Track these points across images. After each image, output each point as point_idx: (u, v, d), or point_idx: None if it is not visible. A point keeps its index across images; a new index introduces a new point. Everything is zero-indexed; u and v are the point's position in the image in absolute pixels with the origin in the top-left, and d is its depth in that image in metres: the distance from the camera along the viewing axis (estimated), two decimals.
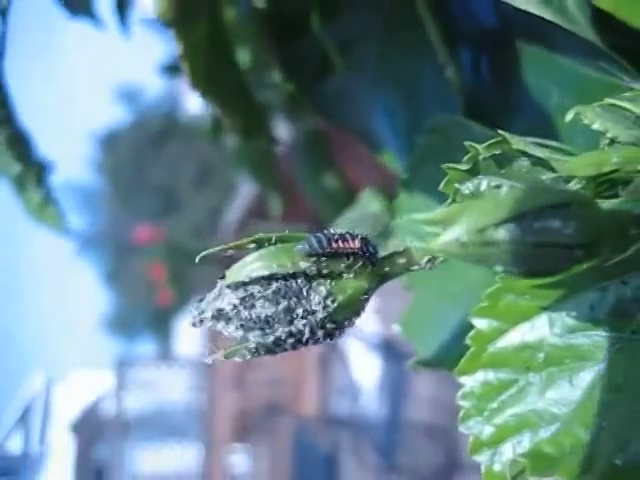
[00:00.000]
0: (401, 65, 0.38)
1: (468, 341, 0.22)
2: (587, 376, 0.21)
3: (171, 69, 0.91)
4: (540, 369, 0.21)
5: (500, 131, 0.20)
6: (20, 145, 0.51)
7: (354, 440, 3.12)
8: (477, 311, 0.22)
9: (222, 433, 4.33)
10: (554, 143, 0.22)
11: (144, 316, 8.70)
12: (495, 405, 0.22)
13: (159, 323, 8.55)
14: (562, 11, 0.26)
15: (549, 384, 0.21)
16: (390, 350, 2.82)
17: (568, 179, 0.17)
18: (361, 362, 3.24)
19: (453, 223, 0.13)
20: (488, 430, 0.22)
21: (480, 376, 0.22)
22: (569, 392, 0.21)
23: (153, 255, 6.58)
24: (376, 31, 0.38)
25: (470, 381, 0.22)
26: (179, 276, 6.35)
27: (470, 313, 0.22)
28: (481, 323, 0.22)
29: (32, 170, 0.53)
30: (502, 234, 0.13)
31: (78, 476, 6.73)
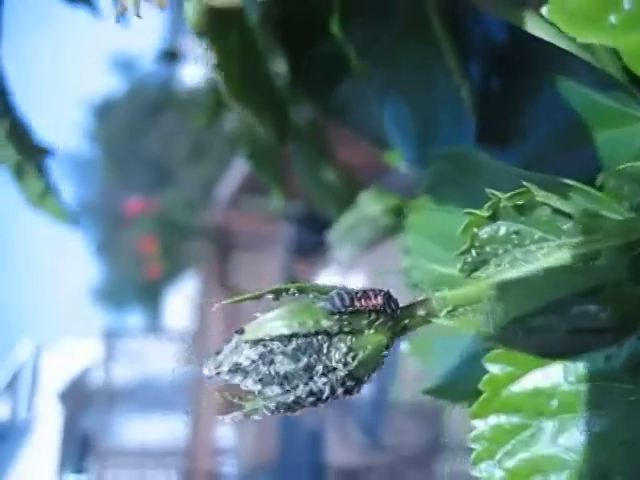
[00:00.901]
0: (413, 77, 0.38)
1: (481, 386, 0.22)
2: (599, 426, 0.21)
3: (169, 55, 0.89)
4: (552, 415, 0.21)
5: (525, 182, 0.19)
6: (20, 135, 0.51)
7: (340, 418, 3.15)
8: (491, 357, 0.22)
9: (208, 407, 4.36)
10: (582, 186, 0.22)
11: (134, 288, 8.70)
12: (506, 449, 0.22)
13: (148, 295, 8.56)
14: (584, 45, 0.26)
15: (561, 431, 0.21)
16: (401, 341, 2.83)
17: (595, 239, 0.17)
18: None
19: (471, 304, 0.13)
20: (499, 474, 0.22)
21: (492, 420, 0.22)
22: (581, 440, 0.21)
23: (144, 227, 6.56)
24: (389, 41, 0.38)
25: (482, 424, 0.22)
26: (170, 249, 6.35)
27: (484, 358, 0.22)
28: (495, 368, 0.22)
29: (32, 160, 0.52)
30: (538, 322, 0.13)
31: (64, 444, 6.78)
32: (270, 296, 0.18)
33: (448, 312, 0.18)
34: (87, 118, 8.68)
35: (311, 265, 3.16)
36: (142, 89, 8.07)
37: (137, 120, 7.77)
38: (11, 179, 0.53)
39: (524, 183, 0.19)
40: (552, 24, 0.19)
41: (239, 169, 3.10)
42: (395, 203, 0.55)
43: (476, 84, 0.36)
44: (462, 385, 0.24)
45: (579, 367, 0.21)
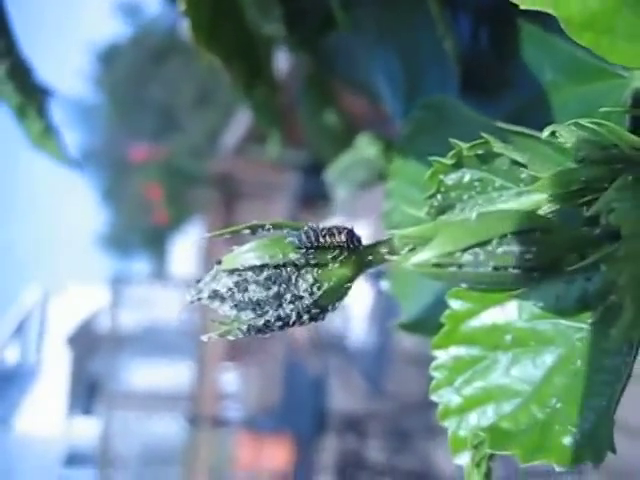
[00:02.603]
0: (401, 30, 0.39)
1: (443, 319, 0.24)
2: (549, 359, 0.23)
3: None
4: (507, 349, 0.23)
5: (486, 125, 0.21)
6: (22, 75, 0.51)
7: (343, 365, 3.21)
8: (453, 293, 0.24)
9: (214, 353, 4.43)
10: (536, 133, 0.23)
11: (140, 235, 8.75)
12: (464, 378, 0.24)
13: (154, 242, 8.61)
14: None
15: (514, 363, 0.23)
16: (383, 278, 2.86)
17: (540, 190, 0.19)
18: (353, 289, 3.29)
19: (426, 243, 0.15)
20: (456, 400, 0.24)
21: (452, 351, 0.24)
22: (531, 372, 0.23)
23: (150, 174, 6.56)
24: None
25: (443, 355, 0.24)
26: (175, 196, 6.35)
27: (447, 294, 0.24)
28: (456, 304, 0.24)
29: (33, 100, 0.53)
30: (468, 258, 0.15)
31: (72, 388, 6.91)
32: (248, 231, 0.20)
33: (409, 250, 0.20)
34: (92, 63, 8.60)
35: (316, 213, 3.17)
36: (147, 35, 7.96)
37: (142, 66, 7.69)
38: (13, 119, 0.54)
39: (483, 134, 0.21)
40: None
41: (244, 117, 3.09)
42: (390, 147, 0.56)
43: (464, 37, 0.37)
44: (433, 321, 0.25)
45: (532, 305, 0.23)
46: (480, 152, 0.21)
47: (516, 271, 0.15)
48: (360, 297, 3.18)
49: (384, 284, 0.39)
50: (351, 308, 3.32)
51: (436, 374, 0.24)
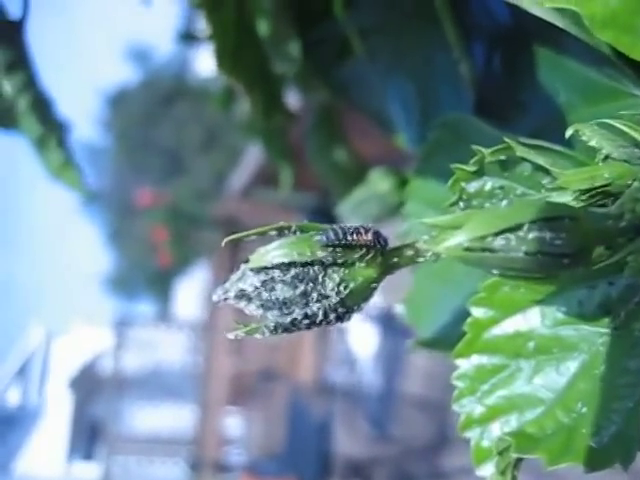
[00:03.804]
0: (416, 56, 0.39)
1: (465, 328, 0.24)
2: (572, 365, 0.23)
3: (187, 37, 0.91)
4: (530, 357, 0.23)
5: (506, 138, 0.21)
6: (42, 108, 0.53)
7: (348, 409, 3.17)
8: (475, 300, 0.24)
9: (217, 396, 4.39)
10: (558, 147, 0.24)
11: (144, 277, 8.76)
12: (487, 387, 0.24)
13: (159, 284, 8.62)
14: (574, 20, 0.28)
15: (537, 371, 0.23)
16: (388, 322, 2.85)
17: (564, 189, 0.19)
18: (359, 332, 3.28)
19: (457, 229, 0.15)
20: (479, 409, 0.24)
21: (475, 360, 0.24)
22: (555, 379, 0.23)
23: (156, 217, 6.60)
24: (394, 21, 0.40)
25: (465, 364, 0.24)
26: (181, 239, 6.38)
27: (469, 302, 0.24)
28: (478, 312, 0.24)
29: (53, 132, 0.54)
30: (500, 242, 0.15)
31: (74, 431, 6.83)
32: (274, 233, 0.20)
33: (434, 253, 0.20)
34: (101, 107, 8.73)
35: None
36: (156, 79, 8.10)
37: (150, 110, 7.80)
38: (32, 151, 0.55)
39: (505, 139, 0.21)
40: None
41: (251, 160, 3.12)
42: (403, 181, 0.57)
43: (479, 62, 0.38)
44: (452, 337, 0.25)
45: (555, 312, 0.23)
46: (502, 158, 0.22)
47: (547, 257, 0.15)
48: (365, 341, 3.16)
49: (398, 309, 0.39)
50: (357, 351, 3.30)
51: (458, 383, 0.24)
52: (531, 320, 0.23)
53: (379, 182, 0.59)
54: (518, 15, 0.35)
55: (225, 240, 0.20)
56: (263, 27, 0.61)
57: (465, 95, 0.37)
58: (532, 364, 0.23)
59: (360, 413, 3.05)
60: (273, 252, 0.19)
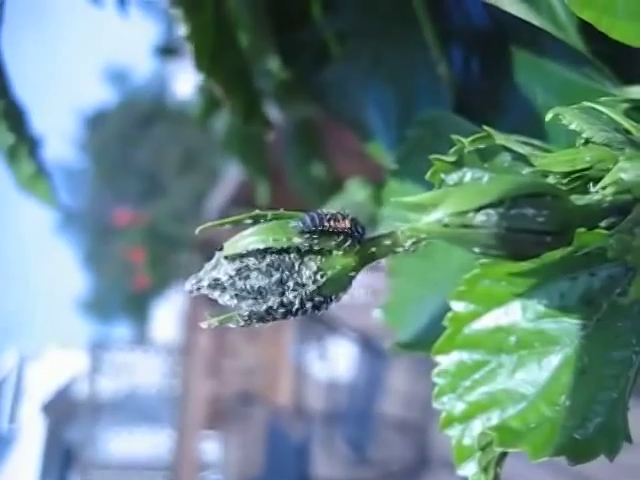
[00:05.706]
0: (395, 59, 0.39)
1: (445, 322, 0.23)
2: (554, 359, 0.22)
3: (165, 51, 0.91)
4: (512, 351, 0.23)
5: (485, 127, 0.21)
6: (14, 117, 0.52)
7: (326, 432, 3.14)
8: (455, 294, 0.23)
9: (194, 420, 4.34)
10: (536, 141, 0.24)
11: (121, 299, 8.66)
12: (468, 383, 0.23)
13: (136, 307, 8.52)
14: (551, 18, 0.28)
15: (519, 366, 0.23)
16: (366, 344, 2.85)
17: (545, 174, 0.19)
18: (337, 354, 3.27)
19: (437, 206, 0.15)
20: (460, 406, 0.23)
21: (455, 356, 0.23)
22: (537, 373, 0.22)
23: (133, 238, 6.55)
24: (372, 25, 0.40)
25: (445, 360, 0.23)
26: (158, 261, 6.33)
27: (449, 296, 0.23)
28: (458, 306, 0.23)
29: (25, 143, 0.53)
30: (481, 218, 0.15)
31: (47, 456, 6.70)
32: (249, 221, 0.19)
33: (412, 243, 0.20)
34: (78, 128, 8.69)
35: None
36: (134, 101, 8.09)
37: (129, 131, 7.78)
38: (3, 163, 0.54)
39: (484, 127, 0.21)
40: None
41: (229, 182, 3.11)
42: (380, 191, 0.57)
43: (457, 65, 0.38)
44: (432, 337, 0.25)
45: (536, 305, 0.23)
46: (481, 147, 0.21)
47: (529, 235, 0.15)
48: (344, 363, 3.14)
49: (376, 313, 0.39)
50: (335, 374, 3.28)
51: (438, 380, 0.23)
52: (512, 314, 0.23)
53: (356, 192, 0.59)
54: (496, 17, 0.35)
55: (198, 229, 0.20)
56: (242, 39, 0.61)
57: (444, 97, 0.37)
58: (514, 359, 0.23)
59: (339, 436, 3.02)
60: (248, 238, 0.19)
